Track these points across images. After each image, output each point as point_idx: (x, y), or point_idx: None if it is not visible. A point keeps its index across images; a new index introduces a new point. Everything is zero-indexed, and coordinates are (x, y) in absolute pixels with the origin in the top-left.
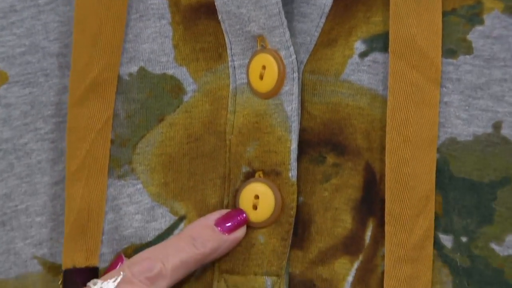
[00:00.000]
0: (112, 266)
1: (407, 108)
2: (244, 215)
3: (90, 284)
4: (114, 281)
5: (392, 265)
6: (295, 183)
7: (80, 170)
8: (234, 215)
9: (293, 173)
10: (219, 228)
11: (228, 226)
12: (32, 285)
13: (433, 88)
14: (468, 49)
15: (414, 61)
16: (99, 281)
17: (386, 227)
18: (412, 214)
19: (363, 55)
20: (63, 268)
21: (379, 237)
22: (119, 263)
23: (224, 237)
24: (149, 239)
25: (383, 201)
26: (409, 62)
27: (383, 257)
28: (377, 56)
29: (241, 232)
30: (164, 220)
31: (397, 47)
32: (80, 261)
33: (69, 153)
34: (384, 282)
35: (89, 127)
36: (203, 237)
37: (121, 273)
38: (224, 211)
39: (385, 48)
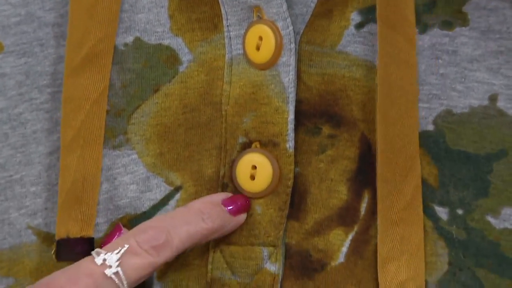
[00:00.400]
0: (110, 236)
1: (391, 70)
2: (249, 201)
3: (92, 253)
4: (118, 252)
5: (385, 229)
6: (293, 154)
7: (75, 140)
8: (240, 199)
9: (290, 144)
10: (227, 208)
11: (233, 208)
12: (26, 255)
13: (409, 47)
14: (464, 21)
15: (395, 22)
16: (102, 252)
17: (378, 192)
18: (400, 175)
19: (359, 26)
20: (56, 238)
21: (374, 208)
22: (117, 233)
23: (231, 218)
24: (143, 209)
25: None
26: (390, 25)
27: (377, 228)
28: (373, 27)
29: (244, 216)
30: (159, 190)
31: (382, 11)
32: (74, 231)
33: (64, 123)
34: (378, 246)
35: (84, 97)
36: (212, 213)
37: (125, 245)
38: (230, 194)
39: None
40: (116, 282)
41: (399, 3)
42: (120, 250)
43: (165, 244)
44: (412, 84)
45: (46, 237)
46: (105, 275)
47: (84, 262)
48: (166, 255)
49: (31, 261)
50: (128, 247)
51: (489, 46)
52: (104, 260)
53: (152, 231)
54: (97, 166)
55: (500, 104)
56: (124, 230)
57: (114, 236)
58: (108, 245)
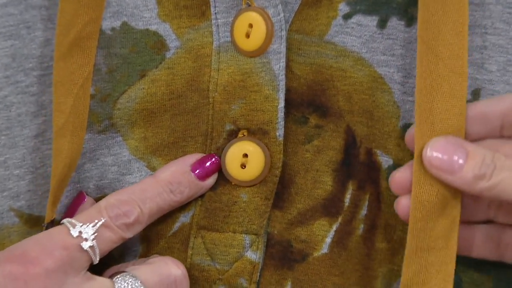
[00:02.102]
0: (74, 204)
1: (434, 98)
2: (216, 158)
3: (66, 223)
4: (94, 225)
5: (414, 252)
6: (282, 142)
7: (65, 125)
8: (208, 160)
9: (280, 132)
10: (195, 174)
11: (203, 171)
12: (7, 237)
13: (460, 81)
14: None
15: (441, 53)
16: (77, 224)
17: (412, 212)
18: (439, 206)
19: (347, 16)
20: (46, 221)
21: (357, 200)
22: (82, 201)
23: (200, 184)
24: None
25: (362, 164)
26: (436, 54)
27: (361, 220)
28: (360, 18)
29: (214, 178)
30: (139, 174)
31: (424, 34)
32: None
33: (56, 108)
34: (405, 265)
35: (73, 81)
36: (181, 184)
37: (102, 218)
38: (199, 155)
39: (368, 11)
40: (91, 255)
41: (444, 32)
42: (97, 223)
43: (136, 220)
44: (460, 116)
45: (28, 219)
46: (81, 247)
47: (58, 233)
48: (136, 230)
49: (12, 243)
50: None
51: (474, 41)
52: (80, 232)
53: (124, 207)
54: (79, 150)
55: (483, 99)
56: (87, 198)
57: (78, 205)
58: (81, 216)
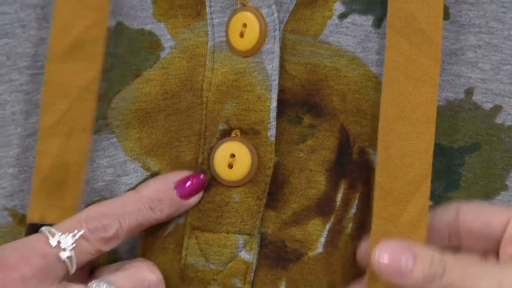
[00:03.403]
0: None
1: (405, 85)
2: (202, 177)
3: (45, 232)
4: (73, 235)
5: (379, 240)
6: (273, 142)
7: (56, 126)
8: (194, 178)
9: (271, 132)
10: (178, 193)
11: (187, 190)
12: (1, 237)
13: (433, 67)
14: (445, 14)
15: (414, 38)
16: (56, 233)
17: (377, 202)
18: (406, 192)
19: (342, 16)
20: (28, 221)
21: (348, 199)
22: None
23: (182, 203)
24: (119, 193)
25: (354, 164)
26: (408, 39)
27: (350, 219)
28: (355, 18)
29: (198, 197)
30: (135, 175)
31: (396, 22)
32: (53, 217)
33: (44, 108)
34: (370, 254)
35: (72, 83)
36: (161, 201)
37: (81, 230)
38: (185, 173)
39: (363, 10)
40: (68, 265)
41: (417, 17)
42: (76, 234)
43: (115, 235)
44: (431, 104)
45: (22, 219)
46: (59, 257)
47: (37, 241)
48: (113, 245)
49: (5, 242)
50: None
51: (468, 40)
52: (59, 242)
53: (104, 220)
54: (84, 154)
55: (476, 97)
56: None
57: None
58: (61, 226)
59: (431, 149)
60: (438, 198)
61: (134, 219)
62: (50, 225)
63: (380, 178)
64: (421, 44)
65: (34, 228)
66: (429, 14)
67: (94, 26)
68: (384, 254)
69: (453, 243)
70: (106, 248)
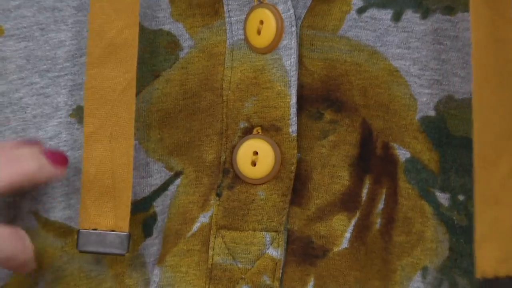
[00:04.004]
0: None
1: (493, 53)
2: (66, 158)
3: None
4: None
5: (481, 210)
6: (295, 138)
7: (99, 131)
8: (58, 152)
9: (293, 128)
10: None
11: (52, 158)
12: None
13: (509, 28)
14: (466, 6)
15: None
16: None
17: (476, 170)
18: (496, 153)
19: (360, 11)
20: (81, 228)
21: (375, 194)
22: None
23: (48, 163)
24: (144, 194)
25: (379, 159)
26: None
27: (379, 214)
28: (374, 12)
29: (63, 170)
30: (159, 175)
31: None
32: (106, 226)
33: (86, 114)
34: (475, 226)
35: (110, 88)
36: (26, 154)
37: None
38: (53, 149)
39: (382, 4)
40: None
41: None
42: None
43: None
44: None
45: (45, 223)
46: None
47: None
48: None
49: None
50: None
51: None
52: None
53: None
54: (128, 159)
55: None
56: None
57: None
58: None
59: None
60: (469, 192)
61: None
62: (103, 232)
63: (476, 145)
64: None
65: (91, 236)
66: None
67: (125, 28)
68: None
69: None
70: None
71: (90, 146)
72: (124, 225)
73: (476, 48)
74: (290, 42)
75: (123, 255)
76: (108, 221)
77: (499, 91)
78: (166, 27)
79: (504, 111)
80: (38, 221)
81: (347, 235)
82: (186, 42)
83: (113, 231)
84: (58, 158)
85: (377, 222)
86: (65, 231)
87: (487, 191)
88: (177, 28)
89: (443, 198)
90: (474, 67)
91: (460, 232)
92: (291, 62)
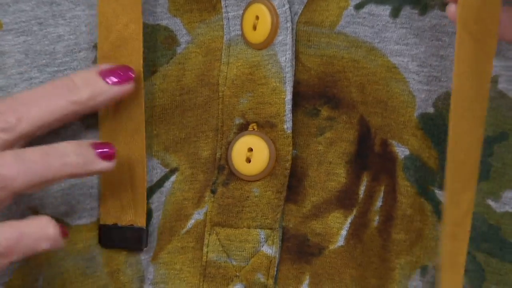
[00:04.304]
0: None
1: (470, 82)
2: (132, 73)
3: None
4: None
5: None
6: (290, 135)
7: (114, 126)
8: (122, 69)
9: (288, 125)
10: (101, 75)
11: (113, 78)
12: None
13: (487, 61)
14: None
15: (476, 33)
16: None
17: (445, 201)
18: (461, 188)
19: (358, 6)
20: (102, 222)
21: (372, 191)
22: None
23: (107, 86)
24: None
25: (377, 156)
26: (473, 35)
27: (377, 212)
28: (372, 8)
29: (128, 87)
30: (155, 172)
31: (464, 16)
32: (127, 220)
33: (102, 109)
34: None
35: None
36: (83, 80)
37: None
38: (112, 65)
39: (380, 0)
40: None
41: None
42: None
43: (17, 125)
44: (484, 101)
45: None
46: None
47: None
48: (20, 130)
49: None
50: None
51: None
52: None
53: (5, 109)
54: (141, 153)
55: (501, 86)
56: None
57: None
58: None
59: (481, 143)
60: None
61: (43, 106)
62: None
63: (447, 176)
64: (482, 40)
65: (112, 231)
66: (490, 7)
67: (130, 23)
68: None
69: None
70: (7, 136)
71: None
72: (142, 220)
73: (457, 80)
74: (285, 38)
75: (141, 250)
76: (128, 215)
77: (473, 126)
78: (164, 22)
79: (474, 148)
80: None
81: (343, 232)
82: (183, 37)
83: (131, 225)
84: (117, 80)
85: (375, 220)
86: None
87: (449, 227)
88: (175, 23)
89: (442, 195)
90: (452, 99)
91: None
92: (286, 58)
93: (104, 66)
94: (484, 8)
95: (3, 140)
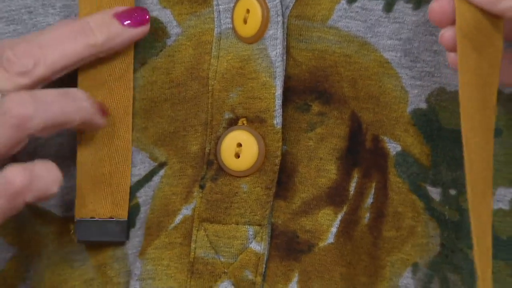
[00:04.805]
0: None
1: (474, 96)
2: (147, 16)
3: None
4: None
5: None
6: (280, 130)
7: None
8: (137, 11)
9: (277, 120)
10: (117, 17)
11: (127, 21)
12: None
13: (493, 72)
14: None
15: (479, 44)
16: None
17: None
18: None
19: (351, 1)
20: (77, 217)
21: (363, 188)
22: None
23: (122, 28)
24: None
25: (368, 152)
26: (475, 46)
27: (367, 209)
28: (365, 2)
29: (144, 29)
30: (143, 166)
31: (464, 26)
32: (105, 213)
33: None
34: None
35: (107, 72)
36: (98, 23)
37: None
38: (127, 6)
39: None
40: None
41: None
42: None
43: (34, 69)
44: (492, 112)
45: (36, 210)
46: None
47: None
48: (36, 74)
49: (19, 230)
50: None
51: None
52: None
53: (21, 53)
54: (125, 144)
55: None
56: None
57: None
58: None
59: (491, 159)
60: (461, 186)
61: (61, 49)
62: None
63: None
64: (485, 51)
65: (89, 225)
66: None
67: None
68: None
69: None
70: (25, 80)
71: (85, 133)
72: (122, 212)
73: (463, 91)
74: (275, 32)
75: (123, 242)
76: (105, 209)
77: (484, 134)
78: (154, 14)
79: (487, 160)
80: (28, 207)
81: (333, 230)
82: (173, 29)
83: (111, 218)
84: (133, 22)
85: (365, 217)
86: (51, 220)
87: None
88: (165, 15)
89: (434, 192)
90: (462, 110)
91: (452, 227)
92: (276, 53)
93: (120, 8)
94: (483, 16)
95: (21, 84)
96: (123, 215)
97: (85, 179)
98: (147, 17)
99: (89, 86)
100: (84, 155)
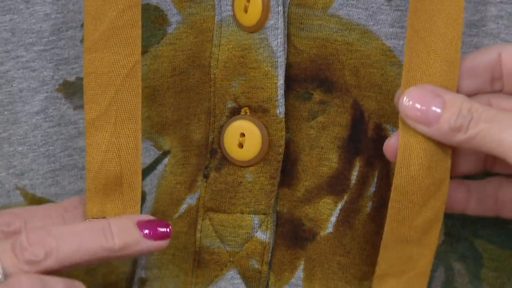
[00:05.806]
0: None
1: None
2: (169, 229)
3: None
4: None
5: (392, 243)
6: (283, 120)
7: (103, 117)
8: (160, 225)
9: (280, 110)
10: (139, 227)
11: (148, 232)
12: None
13: (452, 69)
14: None
15: (433, 44)
16: None
17: (392, 203)
18: (424, 196)
19: None
20: (87, 216)
21: (365, 177)
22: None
23: (142, 239)
24: None
25: (371, 140)
26: (428, 45)
27: (369, 197)
28: None
29: (162, 244)
30: (148, 154)
31: (415, 23)
32: (113, 213)
33: (87, 100)
34: (379, 259)
35: (114, 72)
36: (121, 228)
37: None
38: (152, 218)
39: None
40: None
41: (436, 20)
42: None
43: (44, 260)
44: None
45: (32, 199)
46: None
47: None
48: (45, 266)
49: None
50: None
51: (488, 11)
52: None
53: (35, 240)
54: (135, 143)
55: None
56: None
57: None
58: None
59: (450, 154)
60: None
61: (75, 245)
62: None
63: (398, 179)
64: (439, 49)
65: None
66: (449, 15)
67: (127, 9)
68: (412, 98)
69: (496, 88)
70: (32, 269)
71: (93, 133)
72: (134, 211)
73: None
74: (276, 22)
75: None
76: (116, 208)
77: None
78: (154, 1)
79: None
80: (24, 197)
81: (332, 219)
82: (174, 17)
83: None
84: (152, 234)
85: (368, 206)
86: None
87: (402, 230)
88: (165, 2)
89: None
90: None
91: (456, 216)
92: (278, 43)
93: (144, 217)
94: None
95: (27, 272)
96: (134, 213)
97: (95, 179)
98: (169, 232)
99: (96, 85)
100: (93, 155)
